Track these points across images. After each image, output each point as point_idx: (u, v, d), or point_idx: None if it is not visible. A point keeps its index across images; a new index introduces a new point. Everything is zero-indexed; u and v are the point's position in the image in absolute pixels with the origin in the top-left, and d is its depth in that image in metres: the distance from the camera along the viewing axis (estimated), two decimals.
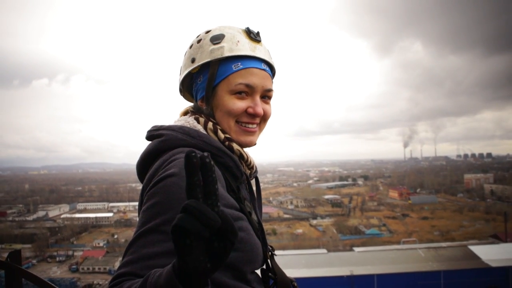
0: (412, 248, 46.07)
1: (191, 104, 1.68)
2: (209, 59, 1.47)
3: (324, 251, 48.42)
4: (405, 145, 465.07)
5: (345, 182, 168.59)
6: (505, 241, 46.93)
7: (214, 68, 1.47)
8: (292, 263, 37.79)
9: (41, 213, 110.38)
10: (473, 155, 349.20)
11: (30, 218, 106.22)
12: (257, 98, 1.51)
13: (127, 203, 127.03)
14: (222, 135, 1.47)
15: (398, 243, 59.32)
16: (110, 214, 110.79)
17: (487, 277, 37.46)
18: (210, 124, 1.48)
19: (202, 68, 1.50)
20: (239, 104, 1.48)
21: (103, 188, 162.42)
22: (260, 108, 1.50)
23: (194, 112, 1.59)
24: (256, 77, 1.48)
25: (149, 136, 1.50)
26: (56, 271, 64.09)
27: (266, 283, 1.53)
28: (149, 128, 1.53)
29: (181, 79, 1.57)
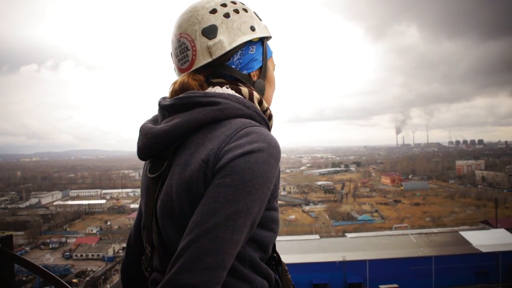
0: (404, 234, 46.57)
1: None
2: (268, 34, 1.40)
3: (317, 237, 48.82)
4: (398, 131, 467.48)
5: (338, 169, 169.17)
6: (495, 227, 47.51)
7: (265, 45, 1.39)
8: (285, 249, 38.06)
9: (33, 200, 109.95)
10: (464, 142, 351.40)
11: (23, 205, 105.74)
12: None
13: (120, 190, 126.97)
14: (266, 105, 1.35)
15: (390, 229, 59.89)
16: (103, 201, 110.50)
17: (477, 262, 37.98)
18: (256, 94, 1.32)
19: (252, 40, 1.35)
20: None
21: (95, 175, 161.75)
22: None
23: (232, 82, 1.33)
24: None
25: (191, 103, 1.19)
26: (50, 258, 64.08)
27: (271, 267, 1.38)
28: (184, 95, 1.22)
29: (235, 45, 1.28)
